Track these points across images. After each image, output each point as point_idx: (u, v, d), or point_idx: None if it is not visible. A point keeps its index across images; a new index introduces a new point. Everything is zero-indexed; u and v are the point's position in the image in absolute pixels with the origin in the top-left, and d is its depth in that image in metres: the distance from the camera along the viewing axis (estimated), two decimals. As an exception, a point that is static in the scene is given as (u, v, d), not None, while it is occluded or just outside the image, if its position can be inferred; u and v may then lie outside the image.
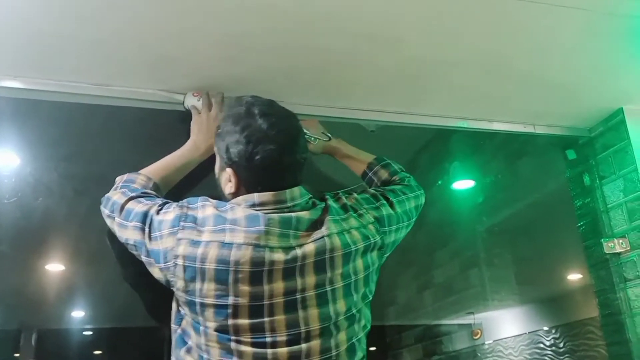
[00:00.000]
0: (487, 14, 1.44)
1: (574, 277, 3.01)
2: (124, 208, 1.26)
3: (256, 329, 1.09)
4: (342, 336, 1.16)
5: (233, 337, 1.09)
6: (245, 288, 1.09)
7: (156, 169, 1.44)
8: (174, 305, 1.22)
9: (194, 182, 1.56)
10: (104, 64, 1.50)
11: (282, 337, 1.10)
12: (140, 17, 1.34)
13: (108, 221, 1.32)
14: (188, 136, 1.70)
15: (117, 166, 1.65)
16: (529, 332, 4.27)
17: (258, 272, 1.09)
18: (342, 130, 1.83)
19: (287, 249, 1.12)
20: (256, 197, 1.16)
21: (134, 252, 1.25)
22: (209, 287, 1.09)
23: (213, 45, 1.46)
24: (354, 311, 1.18)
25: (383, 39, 1.49)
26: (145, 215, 1.22)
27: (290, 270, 1.11)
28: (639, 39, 1.60)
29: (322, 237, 1.15)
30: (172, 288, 1.17)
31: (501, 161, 2.24)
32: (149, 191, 1.34)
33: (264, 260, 1.09)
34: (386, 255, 1.31)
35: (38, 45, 1.41)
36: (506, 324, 4.45)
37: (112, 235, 1.32)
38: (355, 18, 1.40)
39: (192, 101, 1.60)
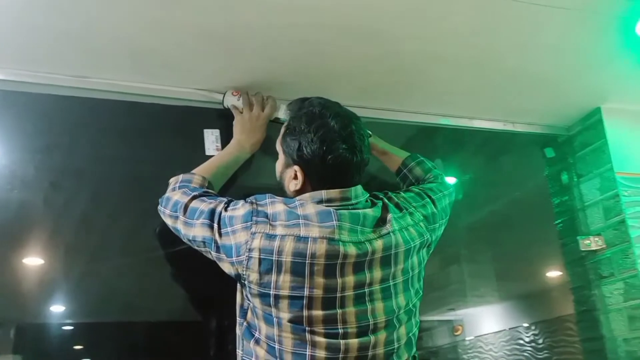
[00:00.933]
0: (468, 9, 1.45)
1: (554, 274, 3.03)
2: (188, 207, 1.30)
3: (329, 320, 1.14)
4: (403, 330, 1.22)
5: (307, 328, 1.14)
6: (320, 280, 1.13)
7: (207, 168, 1.48)
8: (238, 298, 1.26)
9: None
10: (79, 55, 1.48)
11: (352, 329, 1.15)
12: (113, 8, 1.32)
13: (169, 220, 1.35)
14: (166, 129, 1.71)
15: (95, 159, 1.65)
16: (509, 329, 4.30)
17: (332, 264, 1.14)
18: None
19: (357, 244, 1.17)
20: (324, 193, 1.22)
21: (201, 249, 1.28)
22: (285, 279, 1.13)
23: (190, 37, 1.46)
24: (411, 306, 1.24)
25: (365, 31, 1.49)
26: (212, 212, 1.25)
27: (360, 264, 1.16)
28: (616, 38, 1.62)
29: (388, 233, 1.21)
30: (242, 281, 1.20)
31: (482, 158, 2.25)
32: (209, 190, 1.38)
33: (338, 253, 1.14)
34: (431, 252, 1.37)
35: (12, 36, 1.39)
36: (487, 320, 4.47)
37: (162, 234, 1.43)
38: (336, 10, 1.40)
39: (231, 100, 1.65)
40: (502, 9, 1.45)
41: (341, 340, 1.14)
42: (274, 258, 1.14)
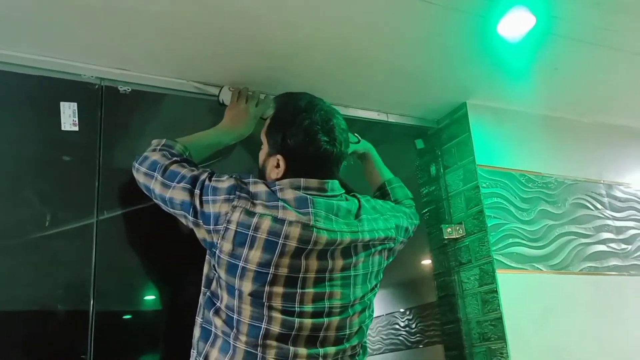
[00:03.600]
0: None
1: (426, 261, 3.17)
2: (168, 169, 1.34)
3: (288, 298, 1.22)
4: (355, 319, 1.31)
5: (266, 303, 1.21)
6: (286, 260, 1.21)
7: (190, 141, 1.51)
8: (205, 269, 1.33)
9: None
10: None
11: (308, 309, 1.23)
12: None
13: (143, 178, 1.38)
14: (17, 100, 1.57)
15: None
16: (386, 314, 4.45)
17: (302, 248, 1.22)
18: (198, 105, 1.77)
19: (330, 232, 1.25)
20: (302, 181, 1.29)
21: (176, 211, 1.32)
22: (255, 254, 1.20)
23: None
24: (366, 299, 1.34)
25: (233, 10, 1.45)
26: (195, 179, 1.31)
27: (325, 251, 1.25)
28: (480, 37, 1.70)
29: (357, 229, 1.29)
30: (213, 250, 1.26)
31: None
32: (189, 159, 1.42)
33: (310, 239, 1.22)
34: (391, 260, 1.46)
35: None
36: (367, 306, 4.53)
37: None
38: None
39: (229, 96, 1.72)
40: (368, -2, 1.46)
41: (296, 319, 1.22)
42: (249, 233, 1.21)
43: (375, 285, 1.39)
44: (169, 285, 1.61)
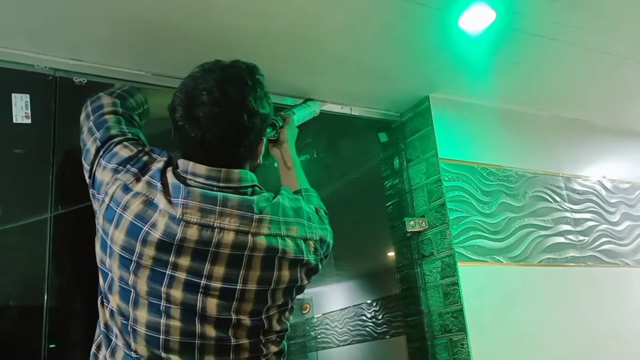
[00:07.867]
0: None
1: (390, 254, 3.20)
2: (103, 116, 1.27)
3: (153, 294, 1.07)
4: (242, 332, 1.11)
5: (133, 292, 1.08)
6: (151, 251, 1.06)
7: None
8: None
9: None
10: None
11: (176, 311, 1.07)
12: None
13: (83, 115, 1.31)
14: None
15: None
16: (353, 306, 4.47)
17: (167, 242, 1.06)
18: (156, 97, 1.74)
19: (204, 227, 1.07)
20: (190, 165, 1.12)
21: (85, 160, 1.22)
22: (119, 236, 1.07)
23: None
24: (263, 317, 1.13)
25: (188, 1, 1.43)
26: (110, 138, 1.21)
27: (202, 252, 1.07)
28: (441, 31, 1.70)
29: (248, 232, 1.10)
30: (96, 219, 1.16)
31: (323, 141, 2.28)
32: (135, 118, 1.33)
33: (175, 233, 1.06)
34: (311, 277, 1.24)
35: None
36: (334, 298, 4.62)
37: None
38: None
39: None
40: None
41: (162, 320, 1.06)
42: (117, 210, 1.09)
43: (287, 302, 1.18)
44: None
